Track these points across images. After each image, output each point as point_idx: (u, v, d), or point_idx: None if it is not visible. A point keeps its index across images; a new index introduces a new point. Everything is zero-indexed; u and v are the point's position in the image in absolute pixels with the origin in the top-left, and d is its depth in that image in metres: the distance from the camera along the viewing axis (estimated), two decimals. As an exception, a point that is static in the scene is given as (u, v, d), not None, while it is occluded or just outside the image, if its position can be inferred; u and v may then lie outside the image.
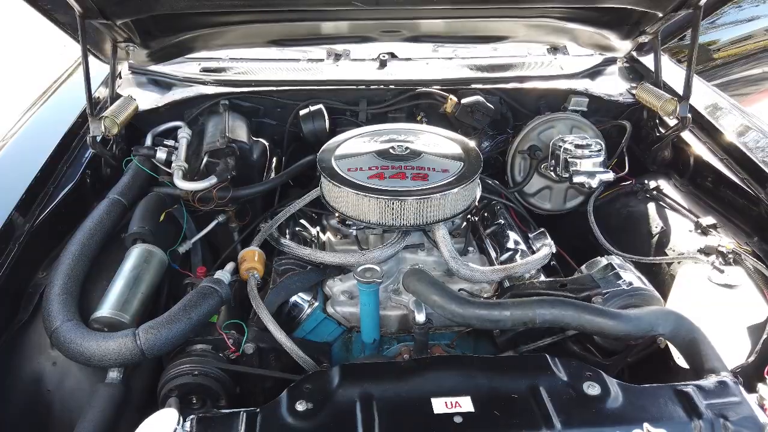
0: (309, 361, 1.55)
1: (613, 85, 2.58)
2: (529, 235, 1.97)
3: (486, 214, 2.17)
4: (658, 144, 2.27)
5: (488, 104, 2.34)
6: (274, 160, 2.32)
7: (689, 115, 2.09)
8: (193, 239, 1.95)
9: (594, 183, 2.06)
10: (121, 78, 2.46)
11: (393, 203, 1.70)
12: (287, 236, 1.94)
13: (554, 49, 2.82)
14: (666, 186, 2.16)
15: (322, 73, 2.53)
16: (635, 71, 2.68)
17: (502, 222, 2.08)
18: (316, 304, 1.74)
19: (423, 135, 2.00)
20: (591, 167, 2.07)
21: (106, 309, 1.47)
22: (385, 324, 1.75)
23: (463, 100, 2.33)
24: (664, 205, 2.07)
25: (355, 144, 1.97)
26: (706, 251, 1.75)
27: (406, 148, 1.89)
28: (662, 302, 1.57)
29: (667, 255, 1.89)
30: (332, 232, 2.03)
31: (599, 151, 2.10)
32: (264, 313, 1.57)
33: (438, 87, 2.40)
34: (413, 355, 1.62)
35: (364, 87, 2.41)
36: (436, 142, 1.97)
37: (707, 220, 1.89)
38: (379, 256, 1.74)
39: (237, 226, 2.13)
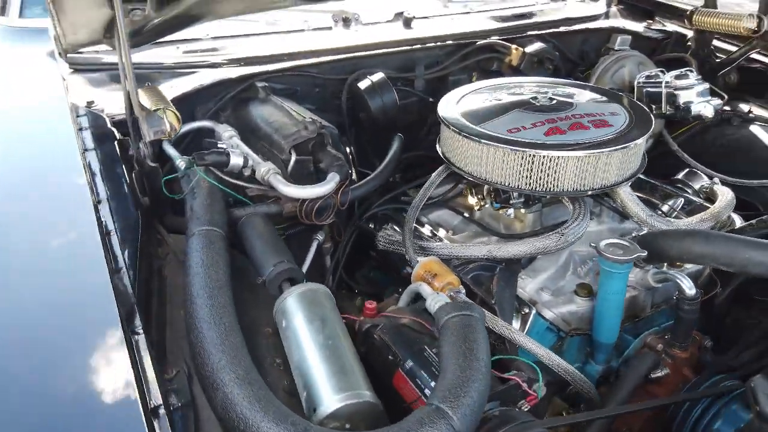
0: (595, 391, 1.14)
1: (632, 24, 2.44)
2: (678, 176, 1.73)
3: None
4: (726, 69, 2.15)
5: (554, 51, 2.04)
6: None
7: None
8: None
9: (710, 112, 1.85)
10: (64, 80, 1.72)
11: (597, 158, 1.32)
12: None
13: (555, -5, 2.62)
14: (756, 109, 2.05)
15: (345, 40, 2.00)
16: (633, 9, 2.58)
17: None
18: (534, 311, 1.29)
19: (553, 85, 1.65)
20: (702, 96, 1.87)
21: (337, 396, 0.90)
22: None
23: (527, 49, 1.99)
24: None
25: (474, 104, 1.54)
26: None
27: (551, 98, 1.52)
28: None
29: None
30: (444, 227, 1.60)
31: (700, 78, 1.91)
32: (526, 340, 1.11)
33: (496, 38, 2.04)
34: (675, 340, 1.27)
35: (419, 47, 1.95)
36: (569, 90, 1.62)
37: None
38: (580, 231, 1.35)
39: (331, 246, 1.57)
